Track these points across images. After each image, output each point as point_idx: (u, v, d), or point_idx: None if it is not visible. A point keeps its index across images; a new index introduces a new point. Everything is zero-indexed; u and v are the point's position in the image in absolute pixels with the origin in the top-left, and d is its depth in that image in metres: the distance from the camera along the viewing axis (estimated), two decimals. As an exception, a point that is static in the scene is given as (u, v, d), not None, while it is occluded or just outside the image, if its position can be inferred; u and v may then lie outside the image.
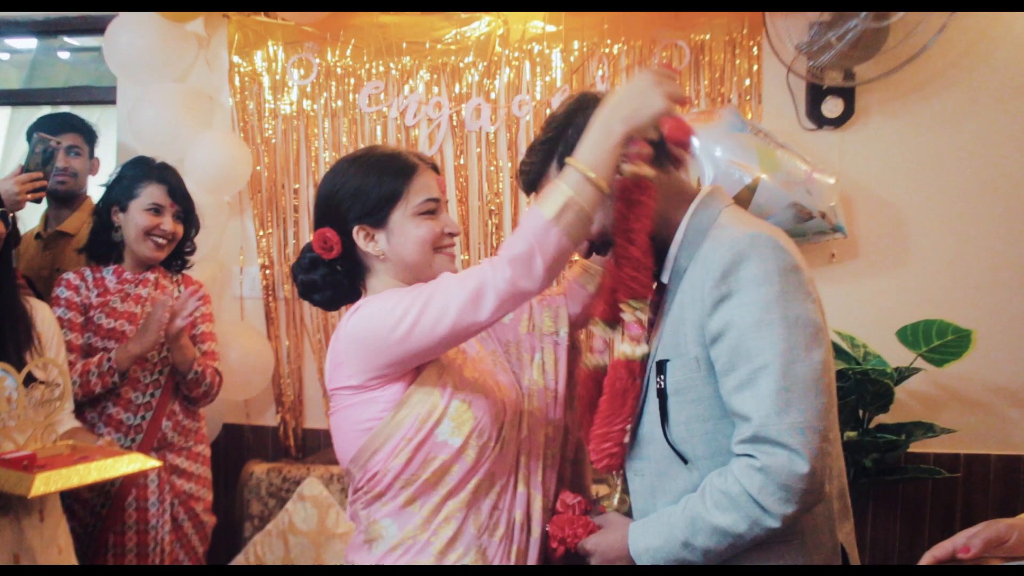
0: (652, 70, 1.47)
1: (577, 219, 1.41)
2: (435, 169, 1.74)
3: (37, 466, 1.89)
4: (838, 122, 3.15)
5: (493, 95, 3.30)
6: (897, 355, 2.84)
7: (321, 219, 1.71)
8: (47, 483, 1.85)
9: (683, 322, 1.46)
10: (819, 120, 3.15)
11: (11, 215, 2.22)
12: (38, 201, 2.83)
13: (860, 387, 2.75)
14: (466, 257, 3.31)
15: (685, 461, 1.47)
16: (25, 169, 2.76)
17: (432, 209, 1.68)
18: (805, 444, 1.31)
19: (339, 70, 3.38)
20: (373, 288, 1.72)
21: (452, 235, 1.72)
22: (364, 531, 1.66)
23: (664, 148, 1.51)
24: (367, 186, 1.66)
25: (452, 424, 1.60)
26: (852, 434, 2.86)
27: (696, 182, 2.78)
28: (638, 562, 1.49)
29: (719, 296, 1.38)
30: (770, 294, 1.35)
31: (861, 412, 2.86)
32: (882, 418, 2.88)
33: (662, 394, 1.49)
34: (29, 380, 2.04)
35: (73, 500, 2.53)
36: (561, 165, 1.48)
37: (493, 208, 3.32)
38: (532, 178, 1.62)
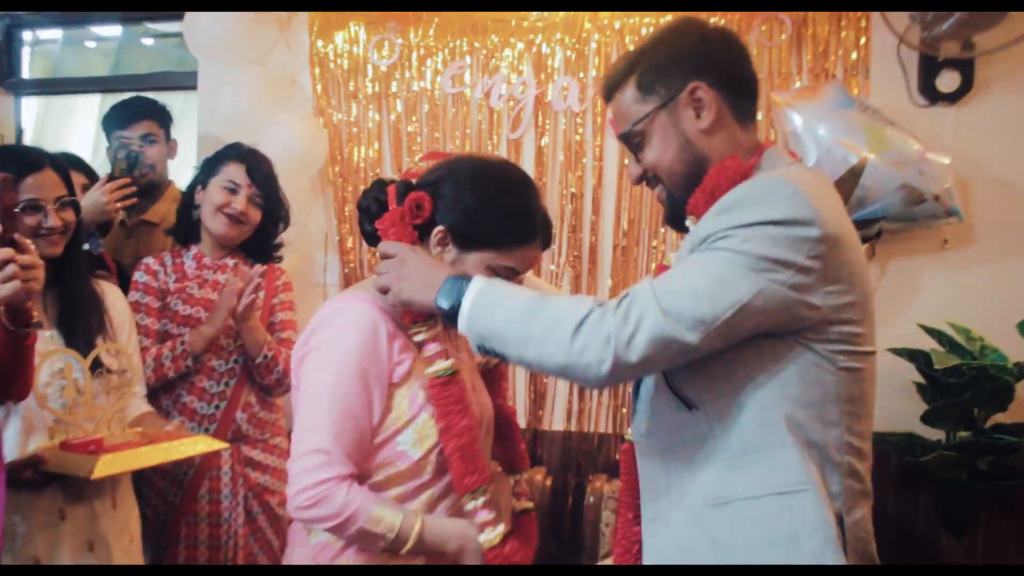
0: None
1: None
2: None
3: (103, 451, 1.89)
4: (954, 97, 2.96)
5: (582, 74, 3.19)
6: (1018, 349, 2.69)
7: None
8: (110, 465, 1.84)
9: (680, 258, 1.38)
10: (933, 95, 2.98)
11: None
12: (130, 209, 2.82)
13: (976, 384, 2.60)
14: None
15: (690, 407, 1.37)
16: (112, 177, 2.74)
17: None
18: (694, 330, 1.23)
19: (422, 50, 3.30)
20: None
21: None
22: None
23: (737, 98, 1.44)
24: None
25: (415, 436, 1.62)
26: (965, 434, 2.71)
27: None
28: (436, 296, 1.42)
29: (709, 214, 1.32)
30: (758, 232, 1.25)
31: (976, 411, 2.71)
32: (999, 417, 2.73)
33: None
34: (98, 365, 2.04)
35: (147, 487, 2.52)
36: (640, 85, 1.45)
37: (574, 191, 3.22)
38: (609, 84, 1.52)
